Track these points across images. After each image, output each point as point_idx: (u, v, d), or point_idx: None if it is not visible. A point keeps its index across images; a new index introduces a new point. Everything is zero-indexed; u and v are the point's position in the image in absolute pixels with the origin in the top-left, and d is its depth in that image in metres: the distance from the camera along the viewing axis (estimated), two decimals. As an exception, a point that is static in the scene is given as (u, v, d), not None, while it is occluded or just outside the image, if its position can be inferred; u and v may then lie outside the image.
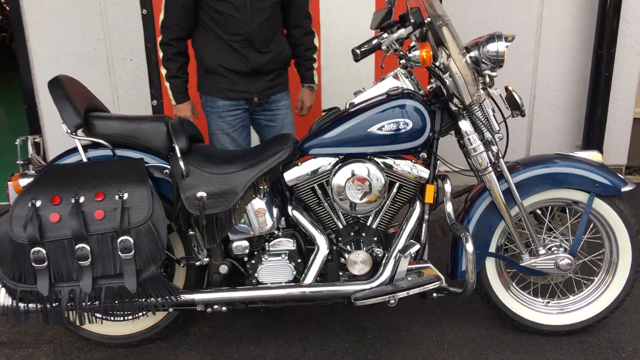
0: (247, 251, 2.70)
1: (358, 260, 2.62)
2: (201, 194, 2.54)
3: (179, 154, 2.55)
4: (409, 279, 2.59)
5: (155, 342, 2.86)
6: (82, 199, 2.36)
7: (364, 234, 2.70)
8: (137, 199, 2.39)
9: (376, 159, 2.61)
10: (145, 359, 2.76)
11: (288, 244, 2.70)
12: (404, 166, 2.61)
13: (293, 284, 2.64)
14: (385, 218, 2.70)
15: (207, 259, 2.65)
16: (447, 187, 2.66)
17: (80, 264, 2.35)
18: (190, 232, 2.59)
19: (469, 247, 2.44)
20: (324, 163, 2.62)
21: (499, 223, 2.72)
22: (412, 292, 2.52)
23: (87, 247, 2.35)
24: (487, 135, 2.61)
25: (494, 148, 2.63)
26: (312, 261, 2.63)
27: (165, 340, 2.89)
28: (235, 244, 2.69)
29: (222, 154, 2.72)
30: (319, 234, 2.63)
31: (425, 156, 2.66)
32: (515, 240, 2.70)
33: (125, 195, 2.38)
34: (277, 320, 3.03)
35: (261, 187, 2.62)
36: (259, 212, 2.65)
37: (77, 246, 2.34)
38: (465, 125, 2.59)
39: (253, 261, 2.69)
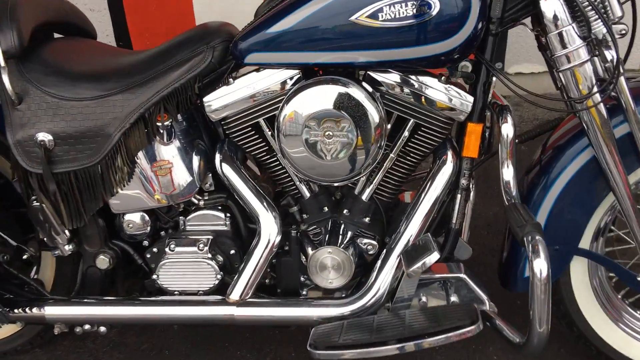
0: (147, 230, 1.66)
1: (328, 264, 1.52)
2: (43, 136, 1.47)
3: (1, 62, 1.45)
4: (423, 299, 1.49)
5: (28, 353, 1.95)
6: None
7: (345, 211, 1.58)
8: None
9: (372, 74, 1.43)
10: (4, 384, 1.86)
11: (215, 221, 1.63)
12: (425, 89, 1.43)
13: (216, 298, 1.59)
14: (389, 182, 1.56)
15: (70, 247, 1.62)
16: (508, 128, 1.46)
17: None
18: (35, 203, 1.54)
19: (540, 264, 1.28)
20: (274, 80, 1.46)
21: (605, 197, 1.53)
22: (424, 342, 1.39)
23: None
24: (597, 27, 1.37)
25: (609, 54, 1.39)
26: (247, 259, 1.56)
27: (47, 351, 1.96)
28: (126, 219, 1.64)
29: (90, 60, 1.60)
30: (262, 208, 1.54)
31: (470, 69, 1.46)
32: (633, 231, 1.51)
33: None
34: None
35: (160, 123, 1.51)
36: (161, 167, 1.56)
37: None
38: (552, 6, 1.34)
39: (155, 249, 1.64)
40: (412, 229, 1.50)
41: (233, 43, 1.47)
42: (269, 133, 1.51)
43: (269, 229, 1.53)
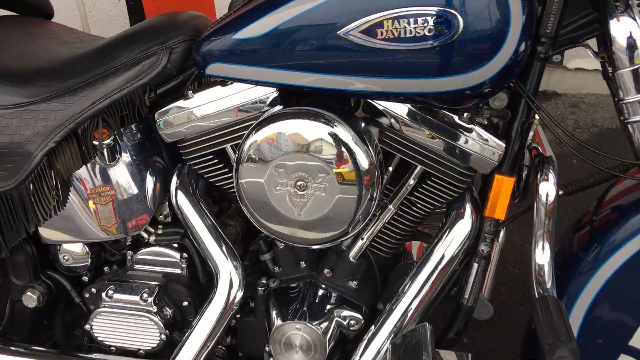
0: (87, 263, 1.37)
1: (296, 344, 1.20)
2: (-52, 151, 1.18)
3: None
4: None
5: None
6: None
7: (327, 270, 1.25)
8: None
9: (372, 102, 1.09)
10: None
11: (168, 262, 1.33)
12: (439, 129, 1.07)
13: (155, 364, 1.30)
14: (386, 236, 1.23)
15: (-10, 280, 1.36)
16: (547, 188, 1.10)
17: None
18: (-57, 228, 1.27)
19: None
20: (243, 98, 1.13)
21: (672, 285, 1.17)
22: None
23: None
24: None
25: None
26: (198, 319, 1.24)
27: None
28: (62, 249, 1.35)
29: (20, 54, 1.28)
30: (221, 254, 1.23)
31: (505, 102, 1.09)
32: None
33: None
34: None
35: (98, 142, 1.20)
36: (100, 194, 1.26)
37: None
38: (627, 29, 0.96)
39: (94, 289, 1.36)
40: (410, 304, 1.17)
41: (195, 45, 1.14)
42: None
43: (228, 282, 1.22)
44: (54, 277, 1.38)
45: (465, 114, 1.07)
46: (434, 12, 0.92)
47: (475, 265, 1.18)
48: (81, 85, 1.16)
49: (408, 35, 0.94)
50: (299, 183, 1.04)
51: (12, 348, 1.34)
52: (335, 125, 1.02)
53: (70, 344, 1.43)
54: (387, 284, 1.29)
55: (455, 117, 1.07)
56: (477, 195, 1.19)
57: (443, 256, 1.16)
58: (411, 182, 1.14)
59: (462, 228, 1.16)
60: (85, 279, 1.37)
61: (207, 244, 1.24)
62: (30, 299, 1.34)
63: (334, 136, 1.02)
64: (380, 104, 1.08)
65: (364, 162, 1.04)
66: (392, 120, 1.09)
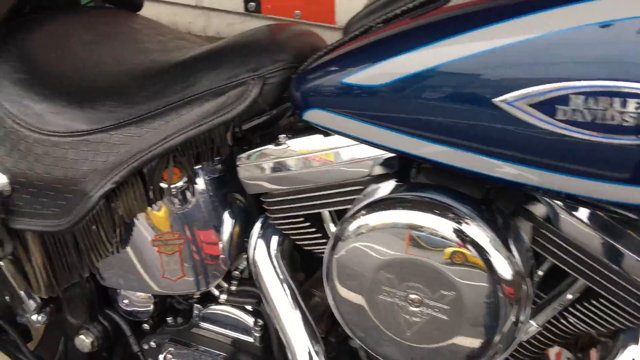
0: (150, 308, 1.17)
1: None
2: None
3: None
4: None
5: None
6: None
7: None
8: None
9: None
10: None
11: (240, 327, 1.10)
12: (621, 238, 0.74)
13: None
14: (520, 350, 0.91)
15: (39, 318, 1.17)
16: None
17: None
18: (-7, 260, 1.10)
19: None
20: (349, 156, 0.85)
21: None
22: None
23: None
24: None
25: None
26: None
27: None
28: (122, 294, 1.16)
29: (86, 65, 1.05)
30: (298, 332, 0.98)
31: None
32: None
33: None
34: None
35: (166, 185, 0.98)
36: (167, 242, 1.03)
37: None
38: None
39: (154, 343, 1.15)
40: None
41: (295, 78, 0.86)
42: (334, 230, 0.92)
43: (305, 374, 0.98)
44: (113, 319, 1.19)
45: (671, 221, 0.74)
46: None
47: None
48: (151, 115, 0.93)
49: (607, 121, 0.61)
50: (412, 297, 0.76)
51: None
52: (467, 223, 0.72)
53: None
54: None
55: (650, 227, 0.74)
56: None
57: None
58: (568, 296, 0.83)
59: (631, 366, 0.83)
60: (146, 326, 1.18)
61: (282, 317, 0.99)
62: (83, 343, 1.16)
63: (466, 239, 0.72)
64: (542, 196, 0.77)
65: (506, 274, 0.74)
66: (552, 214, 0.77)
